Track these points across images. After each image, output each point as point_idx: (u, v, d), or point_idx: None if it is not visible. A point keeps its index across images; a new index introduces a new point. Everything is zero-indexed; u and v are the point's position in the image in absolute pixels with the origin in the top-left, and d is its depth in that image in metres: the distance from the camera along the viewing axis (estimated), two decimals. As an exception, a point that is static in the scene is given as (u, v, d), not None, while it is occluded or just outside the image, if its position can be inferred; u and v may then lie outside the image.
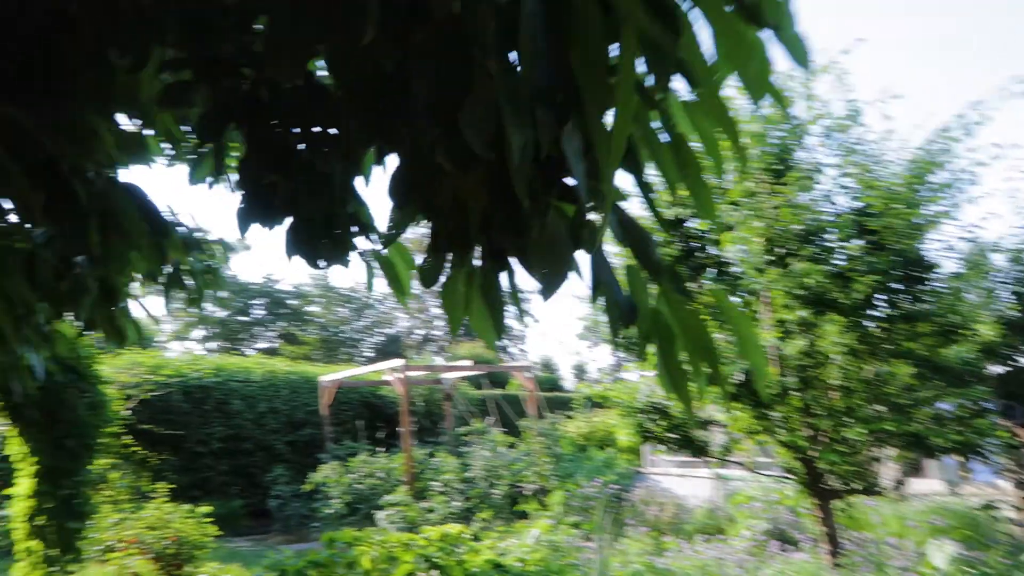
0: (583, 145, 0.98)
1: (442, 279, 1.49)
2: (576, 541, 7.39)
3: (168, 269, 2.72)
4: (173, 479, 10.77)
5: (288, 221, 1.90)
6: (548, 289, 1.21)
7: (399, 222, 1.48)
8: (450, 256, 1.46)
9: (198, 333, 37.40)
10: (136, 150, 1.89)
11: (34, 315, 2.70)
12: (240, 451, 13.27)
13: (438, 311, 46.49)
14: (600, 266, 1.19)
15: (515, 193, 1.29)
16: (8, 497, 7.99)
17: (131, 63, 1.88)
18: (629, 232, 1.14)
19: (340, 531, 5.68)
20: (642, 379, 6.80)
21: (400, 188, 1.40)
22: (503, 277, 1.41)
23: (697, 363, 1.13)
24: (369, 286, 2.09)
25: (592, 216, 1.24)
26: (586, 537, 7.84)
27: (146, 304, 3.14)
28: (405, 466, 11.58)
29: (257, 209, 1.85)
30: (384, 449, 12.76)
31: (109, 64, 1.80)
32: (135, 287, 3.20)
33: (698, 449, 6.57)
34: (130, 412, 10.76)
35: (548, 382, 27.14)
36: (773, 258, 5.72)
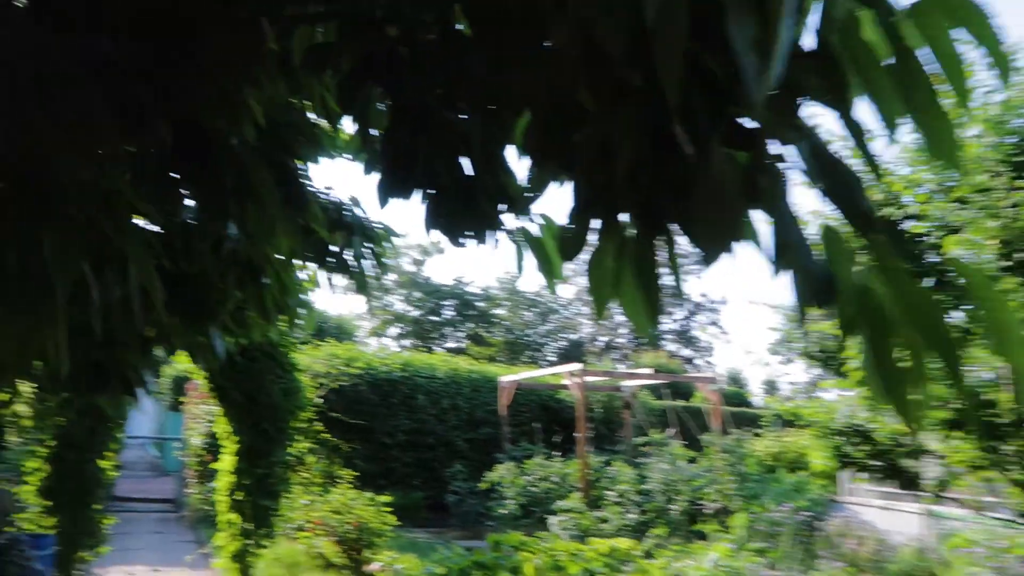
0: (758, 34, 0.69)
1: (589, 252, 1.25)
2: (760, 569, 6.79)
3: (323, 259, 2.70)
4: (360, 467, 11.30)
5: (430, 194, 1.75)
6: (711, 254, 0.92)
7: (536, 183, 1.25)
8: (596, 223, 1.20)
9: (393, 331, 39.61)
10: (290, 120, 1.80)
11: (229, 300, 2.77)
12: (423, 445, 13.71)
13: (622, 317, 45.98)
14: (785, 225, 0.88)
15: (674, 138, 1.01)
16: (215, 471, 8.73)
17: (280, 28, 1.81)
18: (827, 170, 0.83)
19: (508, 533, 5.58)
20: (840, 398, 6.11)
21: (536, 138, 1.17)
22: (660, 248, 1.13)
23: (922, 360, 0.79)
24: (518, 268, 1.88)
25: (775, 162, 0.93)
26: (771, 566, 7.20)
27: (311, 289, 3.16)
28: (580, 472, 11.37)
29: (396, 179, 1.70)
30: (560, 453, 12.63)
31: (259, 30, 1.73)
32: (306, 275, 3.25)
33: (907, 481, 5.78)
34: (323, 400, 11.42)
35: (735, 396, 25.86)
36: (1011, 264, 4.88)
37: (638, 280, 1.14)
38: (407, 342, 38.32)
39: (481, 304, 40.04)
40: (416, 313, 38.90)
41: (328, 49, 1.73)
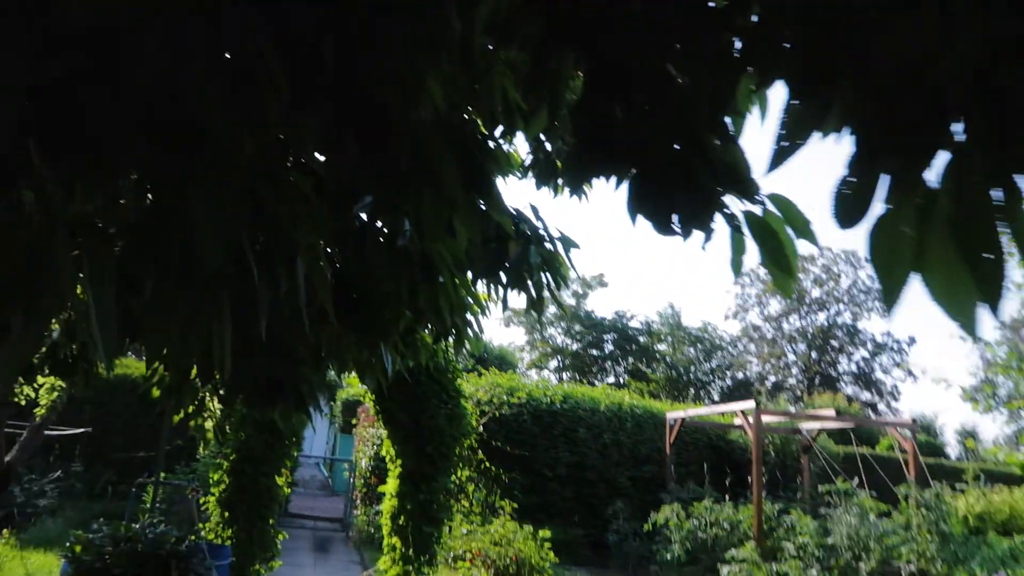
0: None
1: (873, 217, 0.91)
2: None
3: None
4: (519, 499, 11.10)
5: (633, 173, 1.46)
6: None
7: (796, 128, 0.93)
8: (886, 174, 0.87)
9: (553, 364, 39.57)
10: (460, 98, 1.60)
11: (400, 320, 2.65)
12: (583, 479, 13.30)
13: (793, 356, 43.39)
14: None
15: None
16: (380, 494, 8.83)
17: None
18: None
19: (680, 582, 5.11)
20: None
21: (804, 57, 0.86)
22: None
23: None
24: (735, 266, 1.54)
25: None
26: (991, 646, 6.17)
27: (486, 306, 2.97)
28: (754, 520, 10.52)
29: (594, 155, 1.43)
30: (730, 498, 11.80)
31: (441, 4, 1.55)
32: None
33: None
34: (483, 429, 11.37)
35: (926, 446, 23.42)
36: None
37: (962, 248, 0.80)
38: (567, 375, 38.15)
39: (642, 339, 39.17)
40: (576, 347, 38.69)
41: (515, 17, 1.51)
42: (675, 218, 1.42)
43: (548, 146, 3.83)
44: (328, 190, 1.72)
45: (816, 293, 43.74)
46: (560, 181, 3.67)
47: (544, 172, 3.69)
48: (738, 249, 1.51)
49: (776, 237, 1.39)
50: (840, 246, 43.93)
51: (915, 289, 0.87)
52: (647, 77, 1.34)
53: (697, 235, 1.52)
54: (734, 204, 1.47)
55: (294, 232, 1.46)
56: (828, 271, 43.21)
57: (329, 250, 2.16)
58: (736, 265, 1.53)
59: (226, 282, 1.33)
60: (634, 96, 1.36)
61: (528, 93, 1.83)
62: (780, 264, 1.40)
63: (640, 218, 1.44)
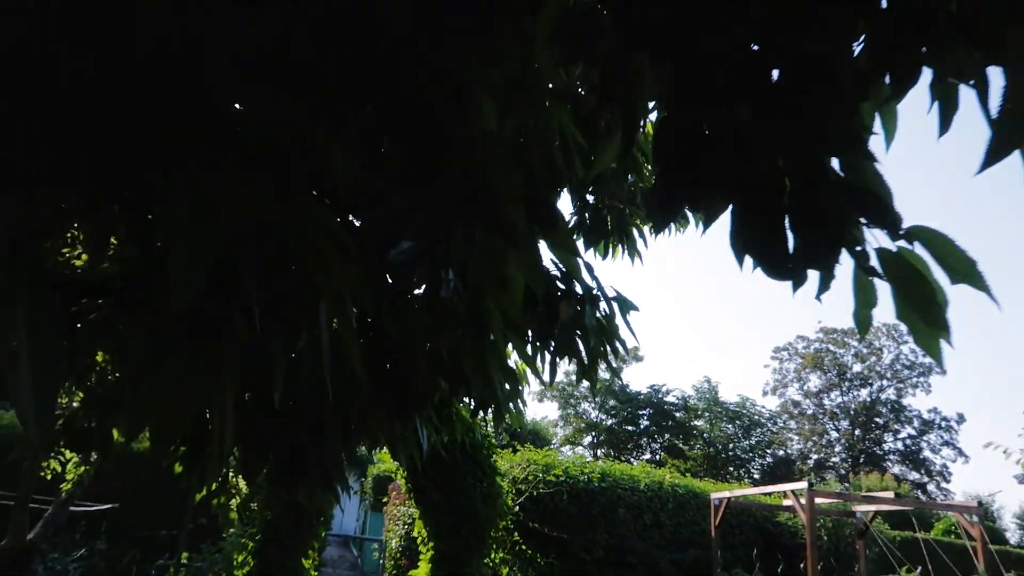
0: None
1: None
2: None
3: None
4: (557, 584, 10.47)
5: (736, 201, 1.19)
6: None
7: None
8: None
9: (587, 440, 38.62)
10: (523, 108, 1.35)
11: (436, 392, 2.38)
12: (623, 563, 12.58)
13: (836, 434, 41.86)
14: None
15: None
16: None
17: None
18: None
19: None
20: None
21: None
22: None
23: None
24: (861, 321, 1.24)
25: None
26: None
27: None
28: (809, 611, 9.76)
29: (681, 180, 1.16)
30: (782, 586, 11.04)
31: (491, 10, 1.33)
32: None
33: None
34: (518, 508, 10.86)
35: (986, 530, 22.07)
36: None
37: None
38: (601, 452, 37.17)
39: (679, 414, 38.16)
40: (611, 422, 37.78)
41: (587, 15, 1.28)
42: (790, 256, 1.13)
43: (595, 205, 3.58)
44: (362, 230, 1.47)
45: (857, 368, 42.50)
46: (610, 240, 3.41)
47: (592, 232, 3.43)
48: (866, 299, 1.21)
49: (924, 282, 1.09)
50: (880, 319, 42.87)
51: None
52: (757, 83, 1.08)
53: (791, 284, 1.23)
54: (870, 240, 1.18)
55: (321, 277, 1.20)
56: (870, 345, 42.05)
57: (357, 308, 1.91)
58: (864, 320, 1.23)
59: (230, 335, 1.06)
60: (738, 107, 1.10)
61: (606, 99, 1.57)
62: (927, 316, 1.10)
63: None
